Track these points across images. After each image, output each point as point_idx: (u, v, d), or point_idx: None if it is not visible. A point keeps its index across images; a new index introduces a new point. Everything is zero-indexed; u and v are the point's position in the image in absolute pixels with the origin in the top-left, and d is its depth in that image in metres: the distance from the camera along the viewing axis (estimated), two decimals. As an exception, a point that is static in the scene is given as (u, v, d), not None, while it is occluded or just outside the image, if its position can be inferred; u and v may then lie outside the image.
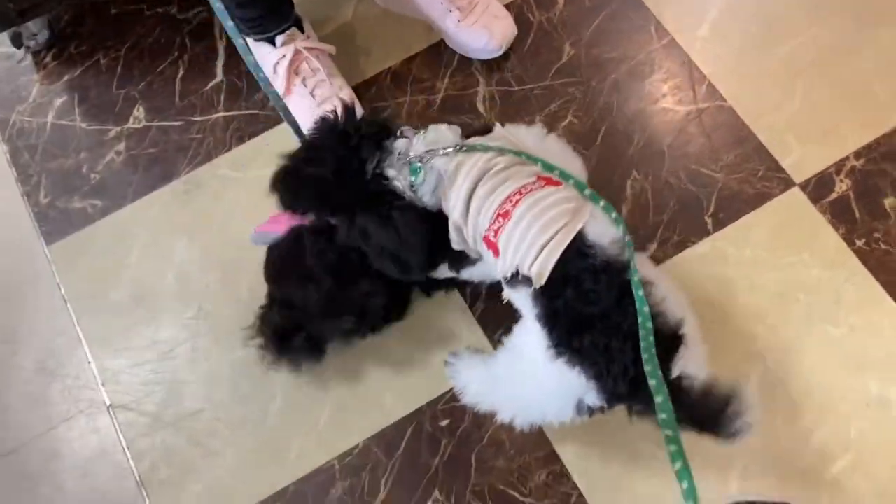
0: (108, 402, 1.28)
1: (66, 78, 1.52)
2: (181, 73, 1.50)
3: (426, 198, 0.99)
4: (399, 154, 0.99)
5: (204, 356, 1.29)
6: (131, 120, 1.46)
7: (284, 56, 1.34)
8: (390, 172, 0.99)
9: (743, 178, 1.32)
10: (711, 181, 1.32)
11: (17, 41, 1.49)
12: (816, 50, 1.40)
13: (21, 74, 1.52)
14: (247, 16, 1.31)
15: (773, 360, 1.20)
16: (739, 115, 1.36)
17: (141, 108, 1.47)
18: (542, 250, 0.89)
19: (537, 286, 0.89)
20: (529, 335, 0.94)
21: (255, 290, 1.30)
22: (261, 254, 1.25)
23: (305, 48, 1.34)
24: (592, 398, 0.91)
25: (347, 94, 1.37)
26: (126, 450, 1.25)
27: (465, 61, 1.45)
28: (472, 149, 0.98)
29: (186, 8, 1.54)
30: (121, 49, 1.53)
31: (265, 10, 1.31)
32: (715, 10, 1.45)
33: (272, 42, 1.34)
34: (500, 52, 1.41)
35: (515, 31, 1.42)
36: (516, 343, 1.01)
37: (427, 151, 0.98)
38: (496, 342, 1.25)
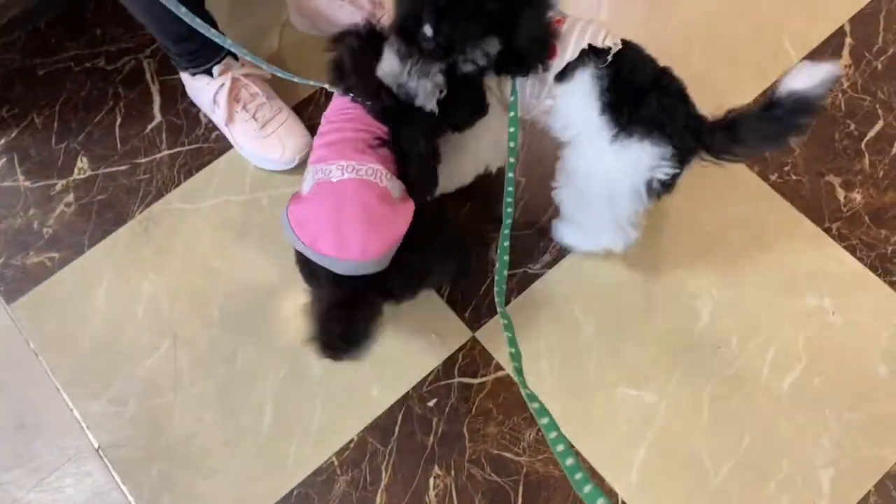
0: (96, 445, 1.28)
1: (1, 141, 1.53)
2: (119, 120, 1.53)
3: None
4: None
5: (188, 382, 1.31)
6: (76, 171, 1.49)
7: (223, 85, 1.40)
8: None
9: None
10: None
11: (-53, 112, 1.50)
12: (705, 18, 1.56)
13: (-47, 144, 1.53)
14: (184, 50, 1.36)
15: (718, 293, 1.32)
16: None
17: (84, 159, 1.50)
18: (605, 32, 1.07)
19: (615, 51, 1.05)
20: (590, 142, 1.10)
21: (225, 308, 1.35)
22: (227, 276, 1.29)
23: (242, 75, 1.41)
24: (663, 170, 1.07)
25: (287, 114, 1.44)
26: (121, 485, 1.25)
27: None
28: None
29: (114, 59, 1.58)
30: (54, 106, 1.55)
31: (200, 44, 1.37)
32: (610, -5, 1.59)
33: (209, 73, 1.40)
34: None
35: None
36: (580, 156, 1.14)
37: None
38: (470, 323, 1.32)
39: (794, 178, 1.40)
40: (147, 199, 1.45)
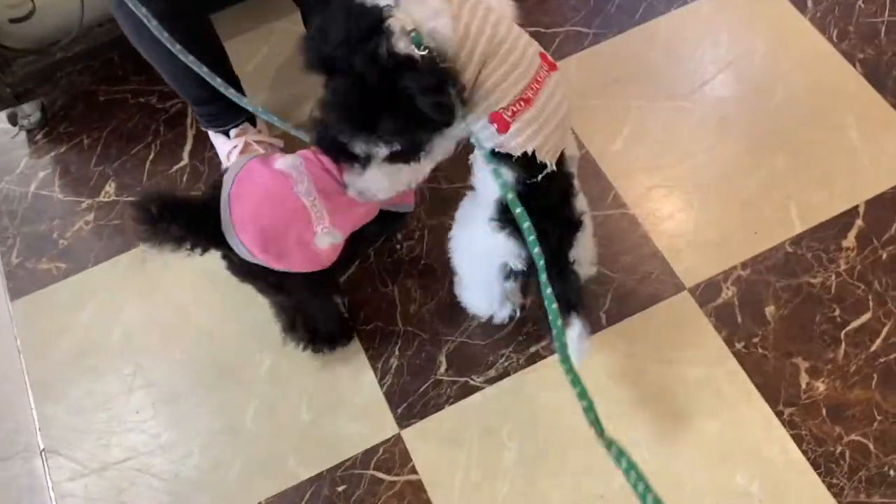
0: (41, 447, 1.40)
1: (52, 154, 1.71)
2: (152, 155, 1.68)
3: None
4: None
5: (135, 409, 1.41)
6: (102, 194, 1.64)
7: (236, 146, 1.51)
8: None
9: (637, 279, 1.44)
10: (608, 280, 1.45)
11: (12, 119, 1.70)
12: (717, 167, 1.55)
13: (13, 148, 1.72)
14: (206, 112, 1.49)
15: (649, 449, 1.30)
16: (640, 222, 1.50)
17: (112, 184, 1.65)
18: (554, 141, 1.07)
19: (550, 170, 1.07)
20: (479, 208, 1.15)
21: (189, 352, 1.45)
22: (198, 321, 1.39)
23: (256, 141, 1.52)
24: (517, 263, 1.13)
25: None
26: (51, 491, 1.36)
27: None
28: None
29: (165, 99, 1.74)
30: (103, 131, 1.72)
31: (222, 109, 1.49)
32: (628, 129, 1.61)
33: (227, 134, 1.52)
34: None
35: None
36: (468, 211, 1.21)
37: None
38: (400, 419, 1.36)
39: (760, 351, 1.36)
40: (153, 232, 1.58)
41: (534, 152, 1.05)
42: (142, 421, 1.40)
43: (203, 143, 1.67)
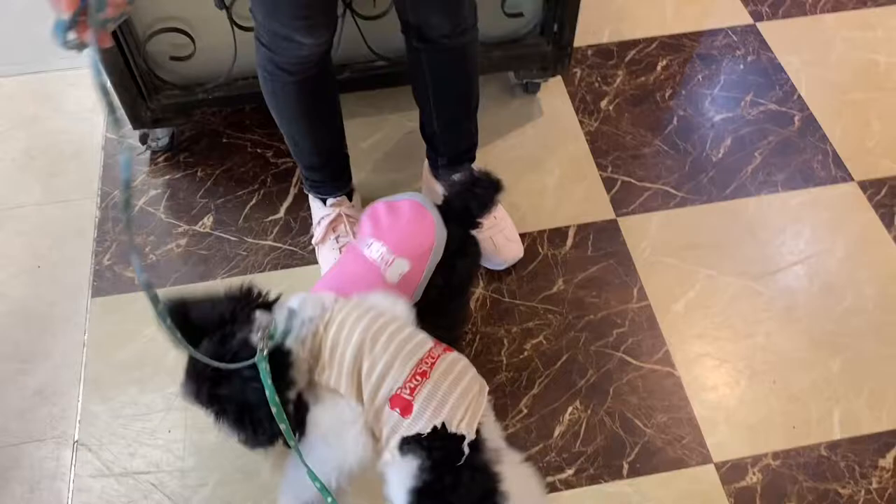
0: (76, 438, 1.49)
1: (166, 177, 1.87)
2: (253, 201, 1.82)
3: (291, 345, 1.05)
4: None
5: (167, 427, 1.49)
6: (199, 224, 1.78)
7: (329, 214, 1.64)
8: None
9: (668, 439, 1.46)
10: (639, 433, 1.47)
11: (143, 140, 1.88)
12: (772, 354, 1.58)
13: (136, 164, 1.89)
14: (312, 177, 1.63)
15: None
16: (684, 386, 1.53)
17: (211, 218, 1.79)
18: (465, 412, 1.00)
19: (469, 440, 0.98)
20: None
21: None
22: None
23: (346, 214, 1.64)
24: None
25: None
26: (71, 482, 1.43)
27: (475, 266, 1.70)
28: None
29: (279, 156, 1.90)
30: (217, 169, 1.88)
31: (327, 178, 1.63)
32: (693, 293, 1.66)
33: (324, 201, 1.65)
34: (503, 267, 1.67)
35: (520, 255, 1.68)
36: None
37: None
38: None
39: (771, 545, 1.35)
40: (233, 270, 1.70)
41: (443, 425, 0.99)
42: (171, 440, 1.48)
43: (301, 204, 1.80)
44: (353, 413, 1.05)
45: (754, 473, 1.43)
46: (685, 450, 1.45)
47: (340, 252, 1.63)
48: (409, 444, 1.01)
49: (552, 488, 1.41)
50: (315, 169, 1.60)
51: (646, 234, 1.75)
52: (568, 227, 1.77)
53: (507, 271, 1.69)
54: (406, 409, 1.01)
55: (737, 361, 1.57)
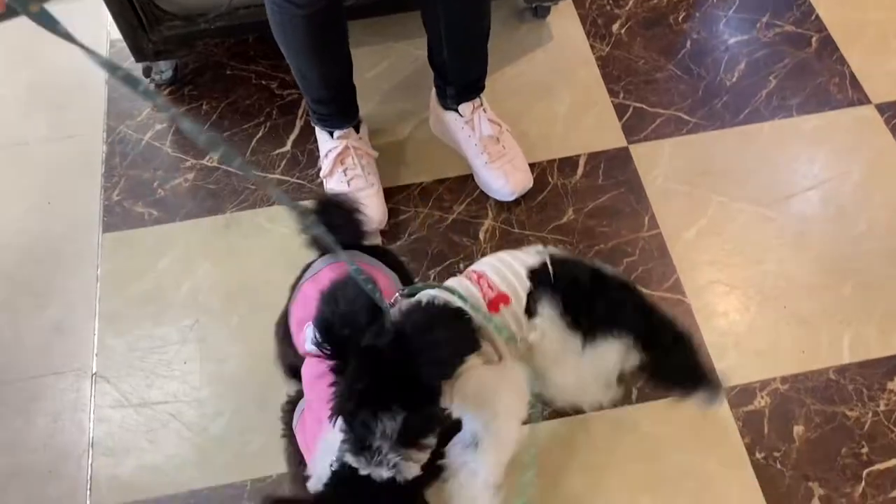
0: (94, 371, 1.52)
1: (172, 110, 1.85)
2: (260, 134, 1.80)
3: None
4: None
5: (183, 359, 1.52)
6: (206, 158, 1.77)
7: (336, 147, 1.62)
8: None
9: (677, 365, 1.48)
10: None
11: (146, 73, 1.85)
12: (783, 280, 1.57)
13: (139, 98, 1.86)
14: (319, 111, 1.61)
15: (645, 530, 1.33)
16: (694, 313, 1.53)
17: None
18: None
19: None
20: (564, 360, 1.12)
21: (245, 319, 1.55)
22: (260, 294, 1.49)
23: (354, 146, 1.62)
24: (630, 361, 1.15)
25: (375, 191, 1.64)
26: (92, 413, 1.47)
27: (484, 197, 1.69)
28: None
29: (284, 87, 1.87)
30: (222, 102, 1.86)
31: (335, 112, 1.61)
32: (705, 220, 1.65)
33: (331, 134, 1.63)
34: (513, 198, 1.65)
35: (530, 185, 1.66)
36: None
37: None
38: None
39: (778, 466, 1.37)
40: (242, 204, 1.70)
41: None
42: (187, 372, 1.50)
43: (308, 136, 1.78)
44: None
45: (762, 397, 1.44)
46: (694, 375, 1.47)
47: (349, 185, 1.62)
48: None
49: (561, 413, 1.43)
50: (323, 102, 1.58)
51: (658, 161, 1.73)
52: (578, 156, 1.74)
53: (517, 202, 1.68)
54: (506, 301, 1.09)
55: (747, 288, 1.57)
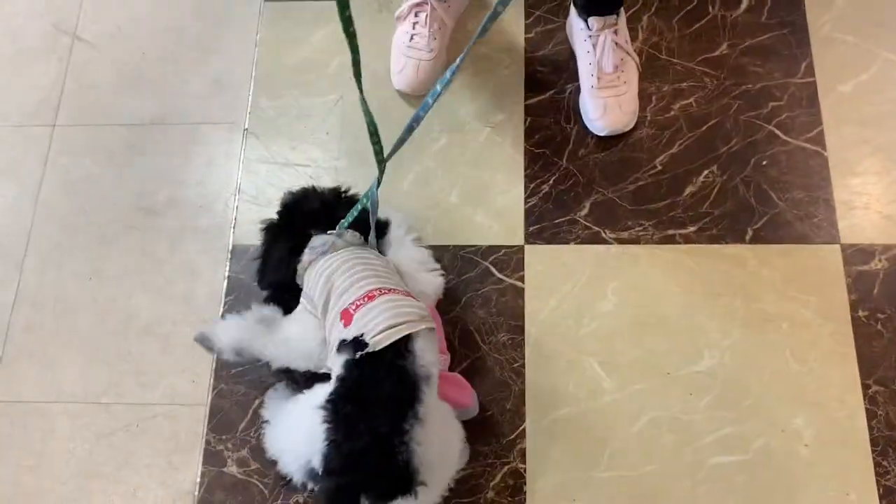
0: (246, 126, 1.66)
1: None
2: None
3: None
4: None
5: (326, 130, 1.63)
6: (369, -59, 1.79)
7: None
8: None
9: (799, 215, 1.46)
10: (772, 204, 1.48)
11: None
12: (935, 151, 1.49)
13: None
14: None
15: (730, 352, 1.38)
16: (830, 167, 1.49)
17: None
18: (387, 329, 1.11)
19: (372, 349, 1.10)
20: (315, 394, 1.14)
21: (384, 101, 1.62)
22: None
23: (433, 5, 1.58)
24: (316, 462, 1.07)
25: (431, 59, 1.60)
26: (241, 163, 1.63)
27: (637, 18, 1.65)
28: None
29: None
30: None
31: None
32: (866, 76, 1.56)
33: None
34: (602, 134, 1.55)
35: (627, 129, 1.56)
36: (305, 395, 1.20)
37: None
38: (529, 235, 1.50)
39: (878, 327, 1.38)
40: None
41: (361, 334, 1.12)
42: (327, 141, 1.62)
43: None
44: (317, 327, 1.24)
45: (880, 261, 1.42)
46: (814, 227, 1.46)
47: (410, 40, 1.60)
48: (341, 346, 1.15)
49: (670, 240, 1.47)
50: None
51: (831, 5, 1.62)
52: (746, -12, 1.66)
53: (671, 27, 1.63)
54: (348, 321, 1.15)
55: (893, 152, 1.50)
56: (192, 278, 1.55)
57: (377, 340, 1.10)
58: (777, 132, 1.53)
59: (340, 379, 1.12)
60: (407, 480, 1.05)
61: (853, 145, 1.51)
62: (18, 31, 1.81)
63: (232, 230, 1.58)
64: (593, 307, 1.44)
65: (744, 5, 1.64)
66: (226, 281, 1.54)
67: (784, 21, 1.62)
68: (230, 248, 1.56)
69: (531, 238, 1.51)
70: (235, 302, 1.51)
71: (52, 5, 1.83)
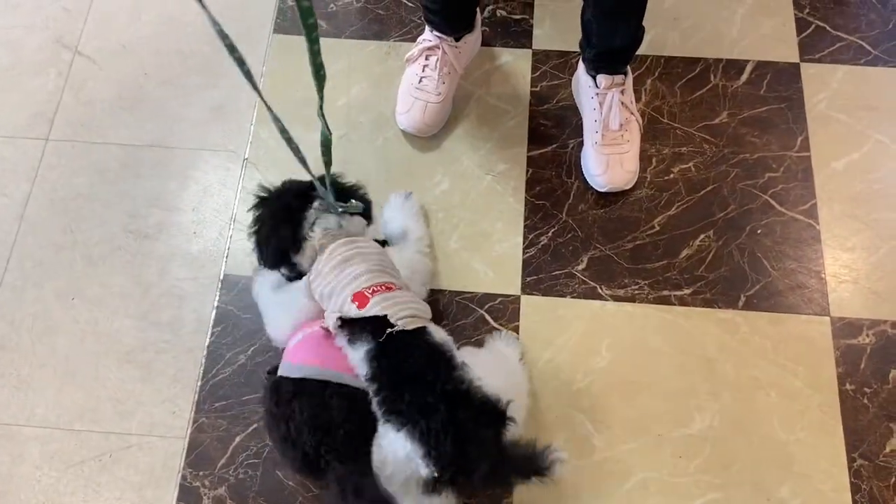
0: (245, 156, 1.64)
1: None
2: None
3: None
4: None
5: (326, 166, 1.62)
6: (381, -17, 1.82)
7: (429, 41, 1.62)
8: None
9: (791, 285, 1.49)
10: (765, 273, 1.50)
11: None
12: (921, 232, 1.54)
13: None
14: (430, 6, 1.57)
15: (719, 416, 1.39)
16: (822, 241, 1.53)
17: (393, -20, 1.82)
18: (410, 317, 1.16)
19: (402, 328, 1.13)
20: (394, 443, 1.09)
21: (388, 143, 1.63)
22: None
23: (445, 50, 1.61)
24: (423, 466, 1.04)
25: (440, 102, 1.61)
26: (238, 192, 1.61)
27: (640, 80, 1.69)
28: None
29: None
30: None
31: (444, 19, 1.59)
32: (858, 155, 1.61)
33: (430, 30, 1.63)
34: (602, 189, 1.57)
35: (628, 186, 1.58)
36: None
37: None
38: (526, 285, 1.50)
39: (864, 401, 1.40)
40: (406, 36, 1.75)
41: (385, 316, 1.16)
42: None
43: None
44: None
45: (868, 335, 1.45)
46: (805, 298, 1.48)
47: (419, 82, 1.62)
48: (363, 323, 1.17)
49: (665, 301, 1.48)
50: (432, 10, 1.58)
51: (826, 85, 1.68)
52: (746, 62, 1.71)
53: (673, 93, 1.67)
54: (363, 303, 1.18)
55: (882, 230, 1.55)
56: (179, 305, 1.51)
57: (405, 322, 1.15)
58: (772, 202, 1.57)
59: (373, 364, 1.13)
60: (499, 411, 1.08)
61: (844, 221, 1.56)
62: (17, 43, 1.78)
63: (224, 259, 1.55)
64: (587, 363, 1.44)
65: (744, 77, 1.69)
66: (214, 311, 1.50)
67: (782, 95, 1.67)
68: (221, 277, 1.53)
69: (527, 289, 1.51)
70: (223, 333, 1.48)
71: (54, 19, 1.81)
